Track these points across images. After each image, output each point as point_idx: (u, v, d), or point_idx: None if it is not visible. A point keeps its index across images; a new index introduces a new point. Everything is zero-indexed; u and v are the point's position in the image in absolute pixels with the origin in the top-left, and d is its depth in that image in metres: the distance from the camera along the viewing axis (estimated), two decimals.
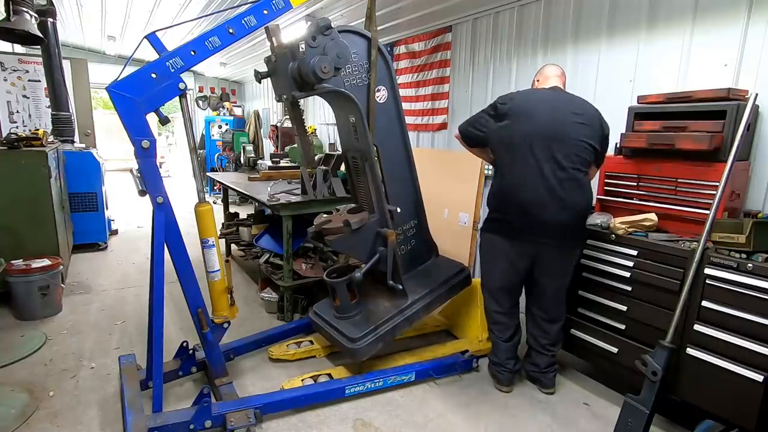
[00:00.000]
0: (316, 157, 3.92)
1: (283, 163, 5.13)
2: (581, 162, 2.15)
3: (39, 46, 4.46)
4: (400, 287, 2.51)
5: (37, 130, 4.33)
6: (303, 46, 2.06)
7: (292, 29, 5.10)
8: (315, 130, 7.01)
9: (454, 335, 3.07)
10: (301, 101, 2.37)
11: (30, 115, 5.78)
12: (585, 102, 2.27)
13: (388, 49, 4.89)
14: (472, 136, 2.38)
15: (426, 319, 2.87)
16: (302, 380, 2.42)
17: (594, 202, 2.42)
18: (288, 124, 7.18)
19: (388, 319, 2.48)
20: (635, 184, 2.37)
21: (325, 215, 2.70)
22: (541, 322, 2.42)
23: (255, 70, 2.33)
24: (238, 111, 9.78)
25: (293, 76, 2.14)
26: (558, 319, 2.41)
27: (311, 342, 2.82)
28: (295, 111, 2.52)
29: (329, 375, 2.48)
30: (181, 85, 1.99)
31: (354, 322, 2.52)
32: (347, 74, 2.35)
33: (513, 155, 2.18)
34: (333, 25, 2.11)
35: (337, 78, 2.28)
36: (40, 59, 4.90)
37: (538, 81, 2.43)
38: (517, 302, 2.47)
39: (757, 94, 1.96)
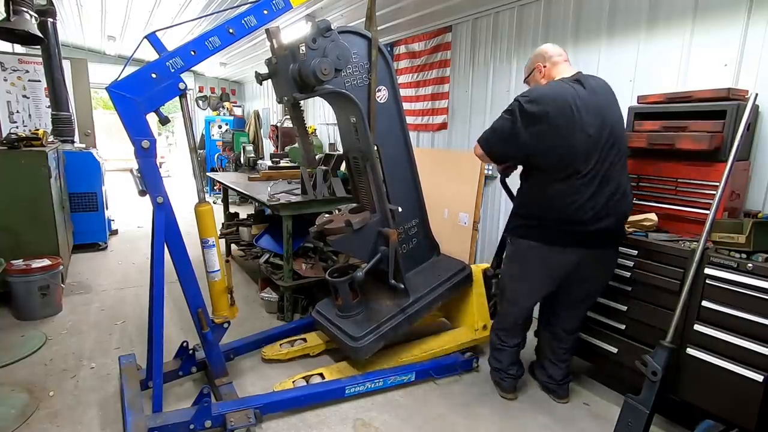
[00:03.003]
0: (316, 157, 3.92)
1: (283, 163, 5.13)
2: (626, 158, 2.03)
3: (39, 46, 4.46)
4: (402, 286, 2.51)
5: (37, 130, 4.32)
6: (303, 47, 2.06)
7: (293, 29, 5.10)
8: (315, 130, 7.02)
9: (451, 325, 3.05)
10: (302, 102, 2.37)
11: (30, 115, 5.77)
12: (602, 83, 2.02)
13: (388, 49, 4.89)
14: (501, 152, 2.09)
15: None
16: (293, 381, 2.41)
17: None
18: (288, 124, 7.18)
19: (389, 317, 2.49)
20: (635, 184, 2.37)
21: (327, 215, 2.70)
22: (561, 334, 2.33)
23: (256, 72, 2.33)
24: (238, 111, 9.78)
25: (294, 77, 2.15)
26: (579, 329, 2.35)
27: (304, 340, 2.82)
28: (296, 112, 2.52)
29: (321, 375, 2.47)
30: (181, 85, 1.99)
31: (356, 320, 2.53)
32: (348, 75, 2.35)
33: (558, 165, 1.92)
34: (333, 27, 2.11)
35: (338, 78, 2.28)
36: (40, 59, 4.89)
37: (545, 67, 2.09)
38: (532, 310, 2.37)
39: (757, 94, 1.96)
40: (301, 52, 2.07)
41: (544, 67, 2.10)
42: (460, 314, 2.98)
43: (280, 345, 2.78)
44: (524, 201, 2.14)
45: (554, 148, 1.90)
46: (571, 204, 1.93)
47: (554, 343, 2.37)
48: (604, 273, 2.17)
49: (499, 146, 2.06)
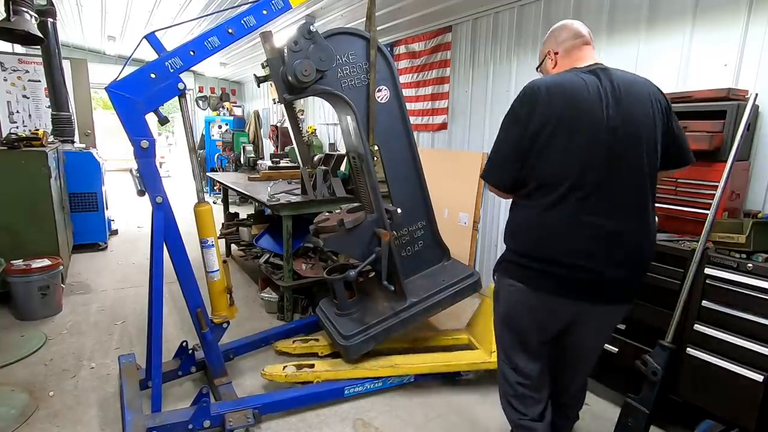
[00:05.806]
0: (316, 158, 3.92)
1: (283, 163, 5.13)
2: (651, 183, 1.47)
3: (39, 46, 4.46)
4: (392, 288, 2.46)
5: (37, 130, 4.32)
6: (286, 50, 2.07)
7: (292, 30, 5.10)
8: (315, 130, 7.02)
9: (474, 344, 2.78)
10: (301, 101, 2.39)
11: (30, 115, 5.78)
12: (633, 78, 1.49)
13: (389, 49, 4.89)
14: (508, 179, 1.53)
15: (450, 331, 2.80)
16: (284, 367, 2.41)
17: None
18: (288, 124, 7.18)
19: (382, 320, 2.46)
20: None
21: (327, 213, 2.70)
22: (567, 392, 1.85)
23: (254, 75, 2.35)
24: (238, 111, 9.78)
25: (283, 79, 2.17)
26: (582, 389, 1.88)
27: (317, 340, 2.81)
28: (290, 112, 2.53)
29: (312, 365, 2.44)
30: (180, 85, 2.00)
31: (351, 319, 2.52)
32: (344, 75, 2.34)
33: (555, 181, 1.43)
34: (314, 28, 2.11)
35: (333, 79, 2.29)
36: (40, 59, 4.90)
37: (557, 54, 1.60)
38: (545, 364, 1.72)
39: (757, 94, 1.96)
40: (284, 54, 2.08)
41: (556, 54, 1.60)
42: (479, 335, 2.72)
43: (293, 341, 2.79)
44: (513, 231, 1.62)
45: (544, 154, 1.43)
46: (570, 238, 1.44)
47: (554, 394, 1.82)
48: (613, 326, 1.73)
49: (506, 167, 1.51)
